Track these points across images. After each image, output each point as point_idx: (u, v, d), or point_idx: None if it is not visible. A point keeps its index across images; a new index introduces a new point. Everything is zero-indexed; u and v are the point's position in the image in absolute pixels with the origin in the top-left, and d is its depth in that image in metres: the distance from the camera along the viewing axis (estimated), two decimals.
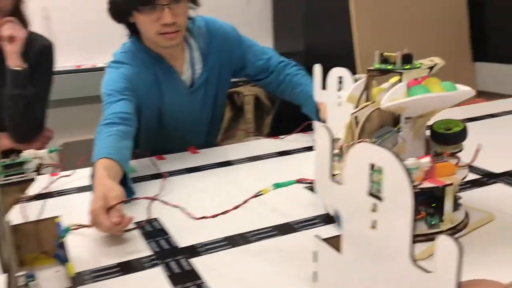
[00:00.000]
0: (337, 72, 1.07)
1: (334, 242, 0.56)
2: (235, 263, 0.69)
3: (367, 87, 0.76)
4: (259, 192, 0.76)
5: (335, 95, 1.08)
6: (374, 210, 0.47)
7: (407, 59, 0.72)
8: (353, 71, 1.77)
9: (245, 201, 0.77)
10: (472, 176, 0.96)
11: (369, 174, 0.47)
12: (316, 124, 1.18)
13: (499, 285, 0.46)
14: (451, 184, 0.69)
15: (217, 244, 0.74)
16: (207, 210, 0.79)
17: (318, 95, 1.14)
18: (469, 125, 1.27)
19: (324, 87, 1.11)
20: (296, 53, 2.27)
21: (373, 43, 1.82)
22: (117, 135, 1.01)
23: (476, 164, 1.01)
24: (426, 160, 0.50)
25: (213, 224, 0.79)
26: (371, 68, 0.75)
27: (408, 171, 0.43)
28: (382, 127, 0.73)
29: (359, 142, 0.64)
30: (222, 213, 0.77)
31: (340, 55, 1.90)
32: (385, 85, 0.77)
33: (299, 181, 0.80)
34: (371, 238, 0.48)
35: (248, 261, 0.69)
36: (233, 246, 0.73)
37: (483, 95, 1.90)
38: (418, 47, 1.86)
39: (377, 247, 0.47)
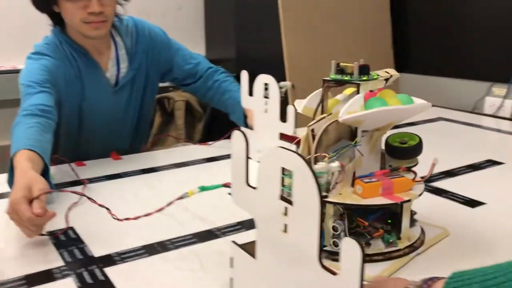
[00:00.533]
0: (263, 78, 1.08)
1: (250, 247, 0.55)
2: (152, 272, 0.67)
3: (323, 99, 0.72)
4: (185, 194, 0.75)
5: (262, 101, 1.09)
6: (285, 214, 0.47)
7: (364, 70, 0.69)
8: (283, 79, 1.80)
9: (170, 203, 0.75)
10: None
11: (280, 178, 0.47)
12: (244, 130, 1.18)
13: (404, 282, 0.47)
14: (409, 201, 0.67)
15: (134, 253, 0.72)
16: (127, 216, 0.76)
17: (245, 101, 1.15)
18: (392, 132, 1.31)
19: (251, 94, 1.12)
20: (228, 60, 2.28)
21: (301, 51, 1.86)
22: (37, 127, 0.96)
23: None
24: (336, 164, 0.51)
25: (131, 232, 0.77)
26: (327, 78, 0.72)
27: (317, 176, 0.44)
28: (339, 140, 0.70)
29: (315, 156, 0.64)
30: (146, 215, 0.75)
31: (270, 62, 1.92)
32: (339, 96, 0.74)
33: (225, 185, 0.79)
34: (283, 242, 0.48)
35: (165, 270, 0.68)
36: (151, 255, 0.71)
37: None
38: (345, 57, 1.93)
39: (289, 251, 0.47)
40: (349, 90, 0.73)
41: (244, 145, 0.53)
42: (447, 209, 0.86)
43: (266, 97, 1.09)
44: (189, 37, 2.24)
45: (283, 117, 1.06)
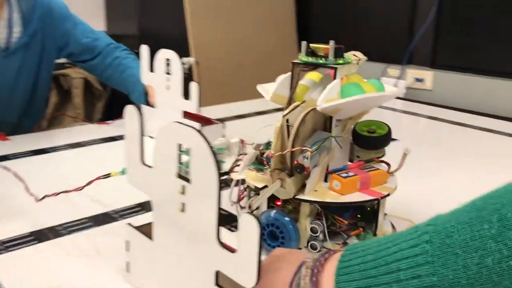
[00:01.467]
0: (164, 54, 1.04)
1: (146, 229, 0.53)
2: (42, 260, 0.62)
3: (295, 84, 0.64)
4: (107, 174, 0.71)
5: (163, 78, 1.05)
6: (182, 192, 0.45)
7: (339, 52, 0.63)
8: (187, 56, 1.75)
9: (90, 182, 0.72)
10: None
11: (177, 155, 0.45)
12: (144, 108, 1.13)
13: (304, 255, 0.47)
14: (388, 195, 0.63)
15: (20, 241, 0.66)
16: (18, 201, 0.70)
17: (146, 78, 1.10)
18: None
19: (152, 70, 1.07)
20: (130, 36, 2.18)
21: (206, 29, 1.82)
22: None
23: None
24: (235, 140, 0.50)
25: (18, 219, 0.70)
26: (298, 61, 0.65)
27: (215, 152, 0.42)
28: (315, 131, 0.64)
29: (292, 151, 0.58)
30: (40, 199, 0.69)
31: (174, 39, 1.87)
32: (305, 82, 0.67)
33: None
34: (181, 222, 0.46)
35: (56, 257, 0.63)
36: (40, 241, 0.66)
37: None
38: (251, 35, 1.93)
39: (187, 230, 0.45)
40: (313, 74, 0.66)
41: (138, 121, 0.49)
42: None
43: (168, 73, 1.06)
44: (88, 11, 2.11)
45: (186, 95, 1.04)
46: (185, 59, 1.04)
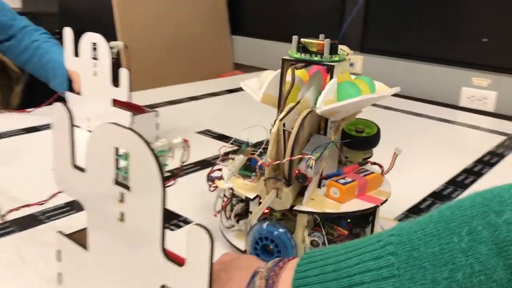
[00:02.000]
0: (90, 37, 0.96)
1: (80, 237, 0.48)
2: None
3: (292, 84, 0.57)
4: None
5: (90, 63, 0.98)
6: (121, 200, 0.41)
7: (334, 49, 0.58)
8: (114, 38, 1.66)
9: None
10: (230, 148, 0.98)
11: (114, 160, 0.41)
12: (69, 95, 1.06)
13: (257, 262, 0.45)
14: (386, 201, 0.58)
15: None
16: None
17: (70, 63, 1.02)
18: (227, 97, 1.29)
19: (77, 55, 1.00)
20: (49, 14, 2.02)
21: (133, 7, 1.73)
22: None
23: (233, 135, 1.05)
24: (178, 140, 0.46)
25: None
26: (288, 58, 0.59)
27: (157, 155, 0.38)
28: (311, 135, 0.59)
29: (290, 159, 0.52)
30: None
31: (99, 20, 1.76)
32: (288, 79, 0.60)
33: None
34: (120, 232, 0.42)
35: None
36: None
37: (240, 67, 2.01)
38: (179, 18, 1.86)
39: (127, 241, 0.42)
40: (299, 71, 0.61)
41: (67, 119, 0.44)
42: None
43: (95, 58, 0.99)
44: None
45: (115, 81, 0.97)
46: (113, 43, 0.97)
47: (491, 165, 0.97)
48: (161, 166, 0.38)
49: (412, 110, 1.36)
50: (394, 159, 0.61)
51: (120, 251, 0.42)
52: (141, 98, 1.08)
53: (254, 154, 0.63)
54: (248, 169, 0.61)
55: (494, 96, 1.39)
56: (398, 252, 0.36)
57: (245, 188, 0.59)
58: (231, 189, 0.60)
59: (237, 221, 0.63)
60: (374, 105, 1.39)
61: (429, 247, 0.35)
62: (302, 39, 0.58)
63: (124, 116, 0.93)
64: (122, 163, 0.41)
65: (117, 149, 0.40)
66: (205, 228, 0.35)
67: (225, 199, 0.63)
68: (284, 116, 0.55)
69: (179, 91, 1.41)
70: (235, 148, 0.69)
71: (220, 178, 0.63)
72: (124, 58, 1.51)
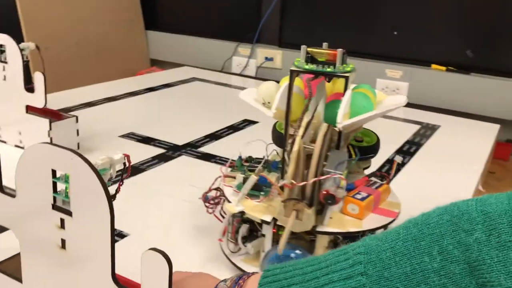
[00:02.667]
0: None
1: (12, 266, 0.43)
2: None
3: (310, 97, 0.53)
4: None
5: None
6: (62, 226, 0.37)
7: (344, 58, 0.54)
8: (20, 38, 1.53)
9: None
10: (157, 151, 0.95)
11: (51, 183, 0.37)
12: None
13: (213, 280, 0.43)
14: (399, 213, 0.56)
15: None
16: None
17: None
18: (148, 96, 1.25)
19: None
20: None
21: (39, 6, 1.61)
22: None
23: (159, 137, 1.02)
24: (119, 156, 0.42)
25: None
26: (298, 69, 0.54)
27: (101, 176, 0.35)
28: (329, 150, 0.55)
29: (319, 179, 0.49)
30: None
31: (2, 19, 1.62)
32: (296, 90, 0.57)
33: None
34: (62, 261, 0.38)
35: None
36: None
37: (156, 63, 1.95)
38: (89, 14, 1.76)
39: (70, 270, 0.38)
40: (297, 81, 0.58)
41: None
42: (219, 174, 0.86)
43: (3, 61, 0.90)
44: None
45: (28, 86, 0.89)
46: (23, 44, 0.90)
47: (411, 154, 1.02)
48: (107, 188, 0.35)
49: None
50: (395, 167, 0.60)
51: (62, 282, 0.39)
52: (54, 101, 1.01)
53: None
54: (258, 189, 0.57)
55: (406, 87, 1.48)
56: (368, 272, 0.35)
57: (257, 210, 0.55)
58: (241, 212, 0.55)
59: (244, 244, 0.57)
60: None
61: (400, 267, 0.35)
62: (308, 49, 0.55)
63: (40, 124, 0.86)
64: (60, 186, 0.37)
65: (54, 172, 0.37)
66: (162, 252, 0.33)
67: (227, 221, 0.59)
68: (304, 133, 0.52)
69: (96, 91, 1.34)
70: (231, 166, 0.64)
71: (217, 198, 0.59)
72: (40, 60, 1.40)
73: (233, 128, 1.11)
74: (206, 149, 0.97)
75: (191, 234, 0.67)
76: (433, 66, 1.45)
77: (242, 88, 1.59)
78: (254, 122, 1.16)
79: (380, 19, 1.52)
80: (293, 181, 0.51)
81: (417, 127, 1.22)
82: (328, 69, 0.54)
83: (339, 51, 0.53)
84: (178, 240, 0.65)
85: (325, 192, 0.49)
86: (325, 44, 0.56)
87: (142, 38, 1.93)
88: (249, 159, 0.65)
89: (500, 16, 1.36)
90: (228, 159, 0.91)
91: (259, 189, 0.56)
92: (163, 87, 1.45)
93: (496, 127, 1.25)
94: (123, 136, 1.02)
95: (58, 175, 0.37)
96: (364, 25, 1.53)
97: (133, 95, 1.35)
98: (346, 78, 0.54)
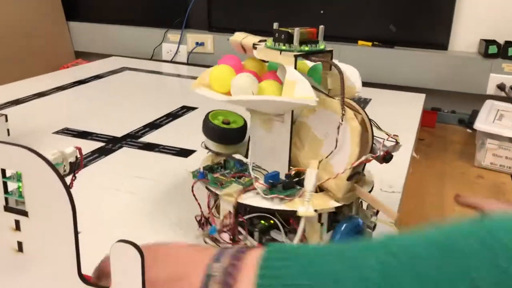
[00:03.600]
0: None
1: None
2: None
3: (342, 74, 0.51)
4: None
5: None
6: (17, 229, 0.35)
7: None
8: None
9: None
10: (96, 145, 0.91)
11: (1, 183, 0.35)
12: None
13: (206, 251, 0.37)
14: None
15: None
16: None
17: None
18: (77, 89, 1.20)
19: None
20: None
21: None
22: None
23: (96, 130, 0.98)
24: (71, 149, 0.40)
25: None
26: (298, 53, 0.51)
27: (59, 171, 0.34)
28: None
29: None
30: None
31: None
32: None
33: None
34: (20, 265, 0.36)
35: None
36: None
37: (82, 55, 1.87)
38: (10, 11, 1.64)
39: (31, 274, 0.36)
40: (301, 64, 0.56)
41: None
42: (164, 162, 0.85)
43: None
44: None
45: None
46: None
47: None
48: (65, 182, 0.34)
49: None
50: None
51: (23, 287, 0.37)
52: None
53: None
54: (278, 188, 0.52)
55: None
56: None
57: (326, 203, 0.51)
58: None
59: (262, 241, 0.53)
60: None
61: None
62: (285, 29, 0.52)
63: None
64: (12, 186, 0.35)
65: (3, 171, 0.35)
66: (133, 243, 0.32)
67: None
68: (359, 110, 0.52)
69: (21, 88, 1.26)
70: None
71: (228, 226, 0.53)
72: None
73: (172, 116, 1.10)
74: (147, 138, 0.95)
75: (144, 226, 0.65)
76: (360, 42, 1.50)
77: (175, 75, 1.57)
78: (193, 108, 1.15)
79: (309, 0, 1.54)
80: (356, 159, 0.50)
81: None
82: (322, 47, 0.53)
83: (321, 28, 0.53)
84: (132, 232, 0.63)
85: (386, 152, 0.53)
86: (275, 24, 0.54)
87: (64, 30, 1.84)
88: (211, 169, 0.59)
89: None
90: (171, 147, 0.90)
91: (286, 187, 0.52)
92: (93, 79, 1.40)
93: (422, 96, 1.32)
94: (57, 132, 0.98)
95: (8, 174, 0.35)
96: (292, 5, 1.55)
97: (61, 89, 1.29)
98: (331, 51, 0.55)
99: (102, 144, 0.92)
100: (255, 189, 0.52)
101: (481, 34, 1.42)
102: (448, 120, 1.40)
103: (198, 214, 0.60)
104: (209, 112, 0.63)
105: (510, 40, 1.37)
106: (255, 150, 0.57)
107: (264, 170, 0.56)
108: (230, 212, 0.52)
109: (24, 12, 1.65)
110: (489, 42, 1.36)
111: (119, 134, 0.97)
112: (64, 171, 0.39)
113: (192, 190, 0.56)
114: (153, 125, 1.03)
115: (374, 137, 0.53)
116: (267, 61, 0.58)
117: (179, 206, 0.70)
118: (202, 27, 1.67)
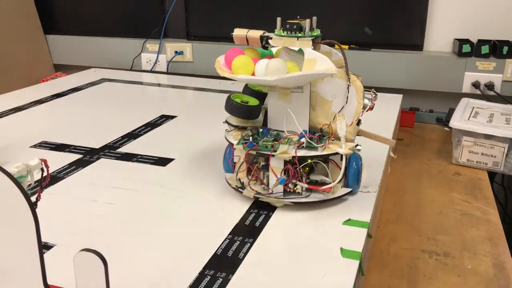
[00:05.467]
0: None
1: None
2: None
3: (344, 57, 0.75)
4: None
5: None
6: None
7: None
8: None
9: None
10: (73, 157, 0.91)
11: None
12: None
13: None
14: None
15: None
16: None
17: None
18: (56, 102, 1.21)
19: None
20: None
21: None
22: None
23: (74, 143, 0.98)
24: (35, 161, 0.40)
25: None
26: (314, 37, 0.69)
27: (20, 184, 0.34)
28: None
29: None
30: None
31: None
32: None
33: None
34: None
35: None
36: None
37: (61, 68, 1.86)
38: None
39: None
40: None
41: None
42: (142, 172, 0.85)
43: None
44: None
45: None
46: None
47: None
48: (27, 195, 0.34)
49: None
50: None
51: None
52: None
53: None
54: (314, 140, 0.70)
55: None
56: None
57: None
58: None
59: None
60: (212, 91, 1.42)
61: None
62: (290, 21, 0.69)
63: None
64: None
65: None
66: (96, 252, 0.33)
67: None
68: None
69: None
70: None
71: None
72: None
73: (151, 125, 1.10)
74: (125, 149, 0.95)
75: (122, 236, 0.66)
76: (336, 46, 1.51)
77: (155, 85, 1.58)
78: (172, 117, 1.16)
79: (285, 5, 1.56)
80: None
81: None
82: (315, 33, 0.70)
83: (314, 18, 0.71)
84: (110, 242, 0.63)
85: (373, 104, 0.74)
86: (279, 19, 0.72)
87: (43, 43, 1.83)
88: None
89: None
90: (150, 156, 0.91)
91: (322, 138, 0.71)
92: (71, 91, 1.40)
93: (399, 97, 1.34)
94: (34, 146, 0.97)
95: None
96: (268, 12, 1.56)
97: (39, 103, 1.28)
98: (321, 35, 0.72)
99: (79, 156, 0.92)
100: (299, 144, 0.68)
101: (455, 34, 1.44)
102: (427, 119, 1.41)
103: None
104: (230, 95, 0.74)
105: (483, 38, 1.40)
106: (276, 119, 0.73)
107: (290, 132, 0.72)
108: (285, 166, 0.68)
109: (0, 27, 1.65)
110: (462, 41, 1.38)
111: (97, 145, 0.97)
112: (29, 184, 0.39)
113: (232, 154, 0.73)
114: (132, 135, 1.03)
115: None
116: (268, 49, 0.74)
117: (156, 215, 0.71)
118: (181, 36, 1.68)
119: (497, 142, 1.06)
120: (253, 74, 0.68)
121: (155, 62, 1.69)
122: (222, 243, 0.62)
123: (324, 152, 0.68)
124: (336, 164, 0.72)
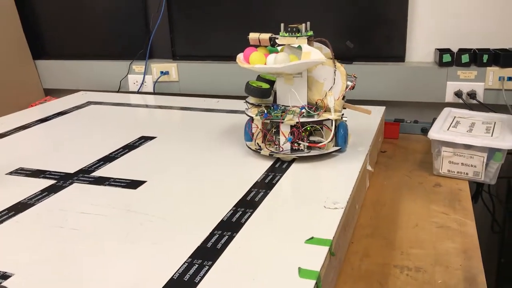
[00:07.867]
0: None
1: None
2: None
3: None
4: None
5: None
6: None
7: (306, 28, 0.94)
8: None
9: None
10: (47, 182, 0.92)
11: None
12: None
13: None
14: None
15: None
16: None
17: None
18: (40, 127, 1.21)
19: None
20: None
21: None
22: None
23: (51, 168, 0.98)
24: None
25: None
26: (308, 36, 0.93)
27: None
28: None
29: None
30: None
31: None
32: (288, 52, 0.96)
33: None
34: None
35: None
36: None
37: (51, 92, 1.88)
38: None
39: None
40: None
41: None
42: (112, 196, 0.85)
43: None
44: None
45: None
46: None
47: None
48: None
49: (232, 108, 1.42)
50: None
51: None
52: None
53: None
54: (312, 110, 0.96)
55: None
56: None
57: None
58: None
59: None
60: (198, 110, 1.43)
61: None
62: (292, 25, 0.91)
63: None
64: None
65: None
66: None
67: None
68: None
69: None
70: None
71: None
72: None
73: (129, 147, 1.10)
74: (99, 172, 0.96)
75: (81, 263, 0.65)
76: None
77: (142, 106, 1.59)
78: (151, 138, 1.16)
79: (267, 25, 1.56)
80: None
81: None
82: (309, 33, 0.93)
83: (308, 23, 0.93)
84: (69, 269, 0.63)
85: (354, 84, 0.98)
86: (282, 24, 0.94)
87: (32, 68, 1.86)
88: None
89: (371, 5, 1.45)
90: (122, 179, 0.91)
91: (317, 109, 0.97)
92: (57, 115, 1.41)
93: (381, 109, 1.33)
94: (10, 173, 0.98)
95: None
96: (251, 29, 1.57)
97: (23, 128, 1.29)
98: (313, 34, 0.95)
99: (53, 181, 0.92)
100: (301, 114, 0.94)
101: (437, 44, 1.44)
102: (412, 130, 1.41)
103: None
104: (248, 82, 0.97)
105: (464, 47, 1.39)
106: (283, 97, 0.98)
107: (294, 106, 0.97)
108: (291, 130, 0.94)
109: None
110: (443, 51, 1.38)
111: (72, 170, 0.97)
112: None
113: (251, 127, 1.00)
114: (108, 158, 1.03)
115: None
116: (275, 47, 0.95)
117: (120, 239, 0.70)
118: (166, 56, 1.70)
119: (476, 152, 1.05)
120: (265, 64, 0.91)
121: (142, 83, 1.71)
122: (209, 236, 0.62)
123: (319, 119, 0.94)
124: (328, 128, 0.96)
